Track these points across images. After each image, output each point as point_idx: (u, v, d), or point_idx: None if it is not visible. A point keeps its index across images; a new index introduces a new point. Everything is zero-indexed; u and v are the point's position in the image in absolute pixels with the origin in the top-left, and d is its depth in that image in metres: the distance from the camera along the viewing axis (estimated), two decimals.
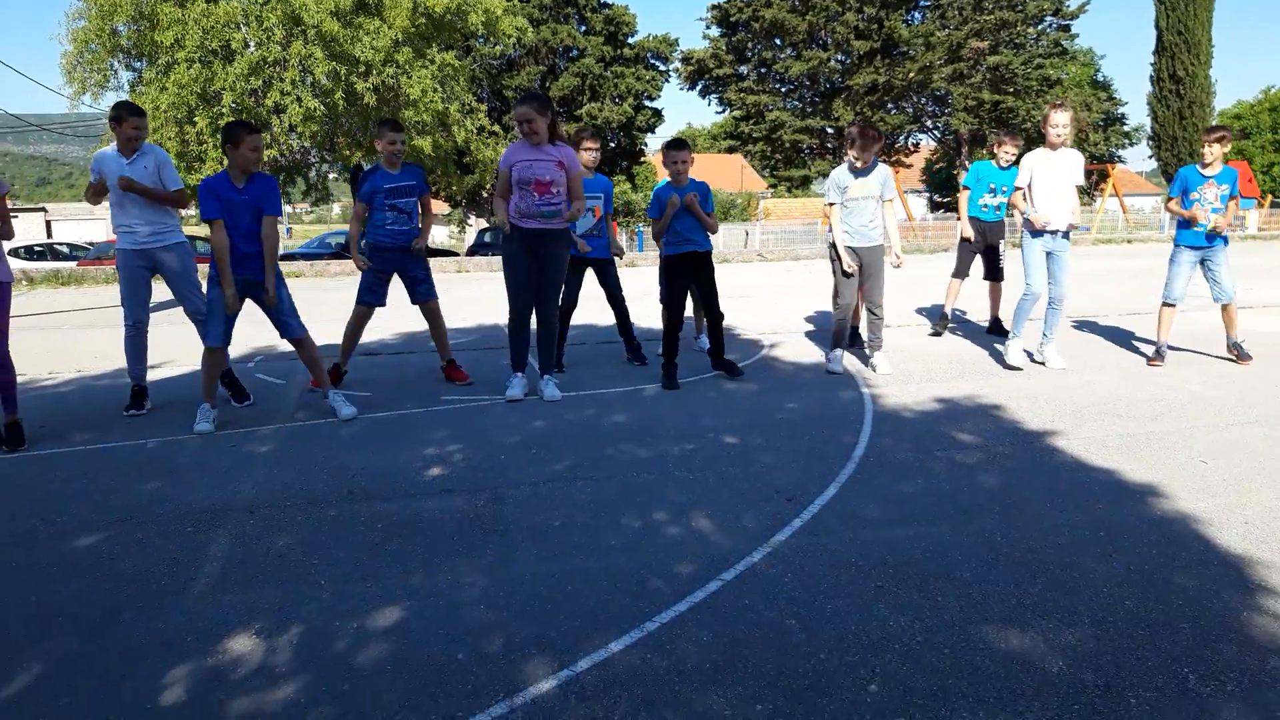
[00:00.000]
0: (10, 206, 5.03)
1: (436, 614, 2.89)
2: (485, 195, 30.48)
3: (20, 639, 2.79)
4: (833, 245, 6.47)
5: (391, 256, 6.20)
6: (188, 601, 3.03)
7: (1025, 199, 6.46)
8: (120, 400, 5.84)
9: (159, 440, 5.06)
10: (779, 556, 3.29)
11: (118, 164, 5.56)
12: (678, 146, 6.22)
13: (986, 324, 8.22)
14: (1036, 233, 6.36)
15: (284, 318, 5.41)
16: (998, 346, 7.17)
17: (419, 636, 2.75)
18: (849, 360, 6.80)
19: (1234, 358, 6.53)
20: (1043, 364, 6.52)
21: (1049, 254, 6.39)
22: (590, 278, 6.90)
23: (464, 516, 3.76)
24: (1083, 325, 8.39)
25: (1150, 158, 41.73)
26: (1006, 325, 7.16)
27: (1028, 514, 3.67)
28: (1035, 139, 41.66)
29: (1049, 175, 6.33)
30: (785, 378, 6.44)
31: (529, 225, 5.61)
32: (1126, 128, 51.67)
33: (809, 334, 8.34)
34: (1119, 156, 50.90)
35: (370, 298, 6.24)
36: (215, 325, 5.23)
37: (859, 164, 6.26)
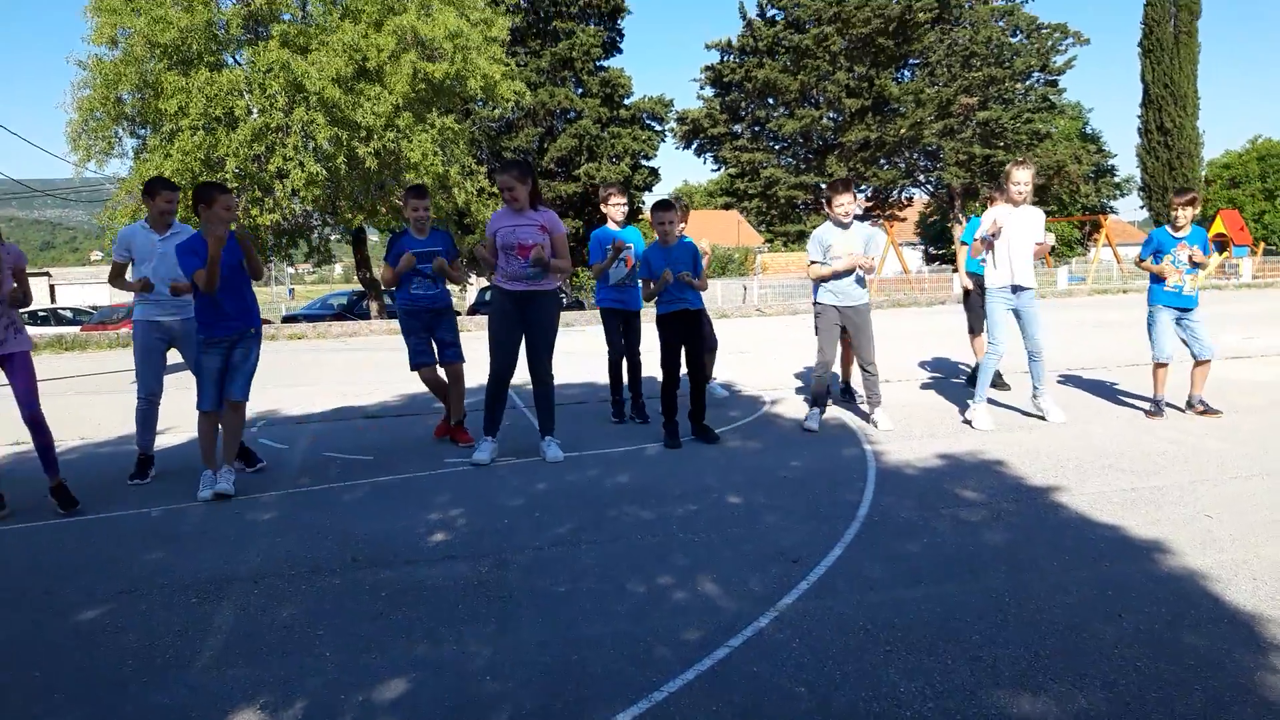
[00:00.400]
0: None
1: (442, 685, 2.87)
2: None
3: (26, 714, 2.77)
4: (816, 303, 6.52)
5: (422, 318, 6.32)
6: (192, 675, 3.00)
7: (983, 254, 6.54)
8: (124, 468, 5.84)
9: (162, 509, 5.05)
10: (786, 621, 3.27)
11: (148, 239, 5.63)
12: (664, 207, 6.29)
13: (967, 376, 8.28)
14: (999, 290, 6.42)
15: (239, 377, 5.32)
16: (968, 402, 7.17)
17: (426, 710, 2.72)
18: (849, 417, 6.82)
19: (1200, 412, 6.52)
20: (1042, 418, 6.53)
21: (1015, 311, 6.45)
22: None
23: (468, 583, 3.74)
24: (1081, 377, 8.41)
25: (1141, 208, 42.25)
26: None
27: (1035, 572, 3.66)
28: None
29: (1010, 232, 6.36)
30: (787, 435, 6.45)
31: (514, 288, 5.70)
32: (1117, 179, 52.28)
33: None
34: (1111, 207, 51.39)
35: (424, 359, 6.40)
36: (207, 390, 5.25)
37: (843, 218, 6.33)
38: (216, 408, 5.30)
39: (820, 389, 6.59)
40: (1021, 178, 6.32)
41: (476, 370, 10.48)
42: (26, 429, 4.98)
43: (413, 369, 6.46)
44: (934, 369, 9.30)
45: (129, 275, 5.74)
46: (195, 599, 3.67)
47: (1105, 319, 14.92)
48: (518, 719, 2.64)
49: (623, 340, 7.02)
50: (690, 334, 6.32)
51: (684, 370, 6.29)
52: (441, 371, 6.49)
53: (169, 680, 2.97)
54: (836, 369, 7.35)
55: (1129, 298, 20.71)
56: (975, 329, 8.06)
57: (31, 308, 5.06)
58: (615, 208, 6.94)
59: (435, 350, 6.44)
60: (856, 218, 6.54)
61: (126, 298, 33.93)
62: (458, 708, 2.72)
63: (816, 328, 6.57)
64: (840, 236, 6.36)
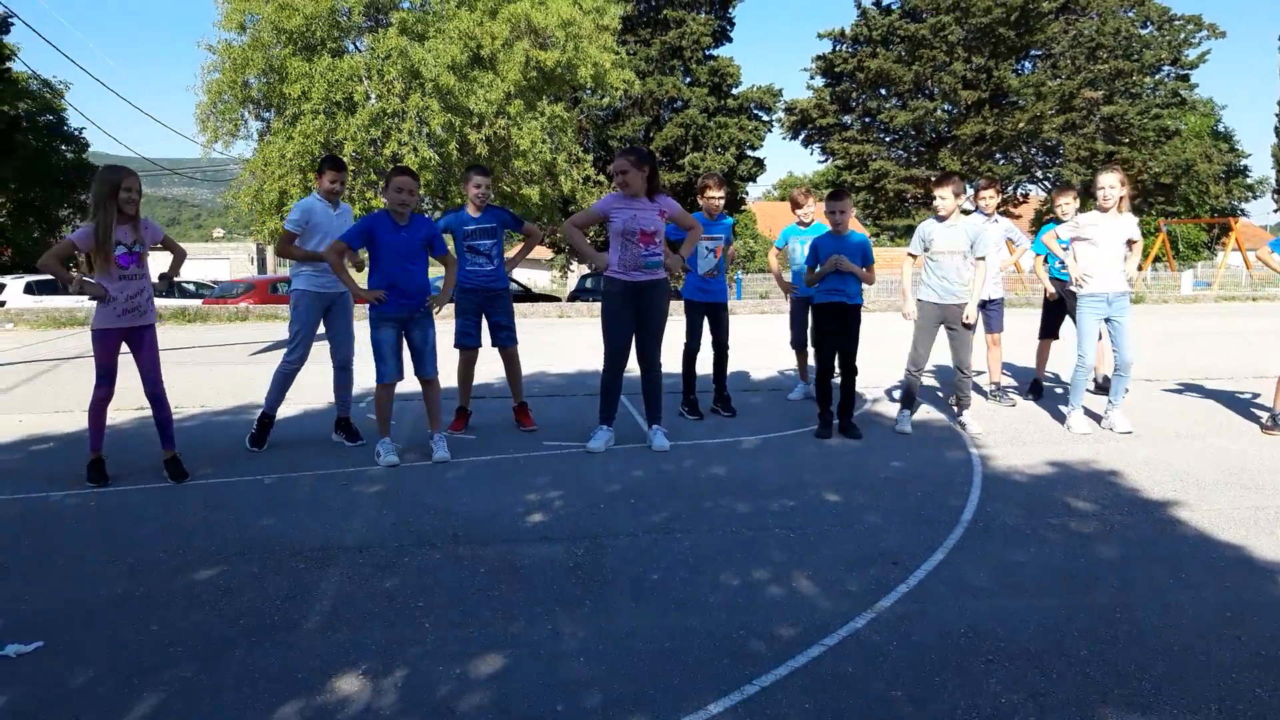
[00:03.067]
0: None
1: (537, 664, 2.91)
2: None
3: (144, 666, 2.92)
4: (919, 301, 6.35)
5: (474, 298, 6.34)
6: (299, 638, 3.12)
7: (1070, 256, 6.37)
8: (240, 436, 6.11)
9: (276, 476, 5.26)
10: (883, 623, 3.21)
11: (326, 212, 5.91)
12: (837, 197, 6.21)
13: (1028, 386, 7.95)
14: (1092, 298, 6.16)
15: (426, 357, 5.63)
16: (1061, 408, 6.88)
17: (519, 686, 2.77)
18: (945, 419, 6.63)
19: None
20: (1110, 429, 6.23)
21: (1107, 320, 6.18)
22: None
23: (564, 565, 3.79)
24: (1204, 387, 8.00)
25: (1276, 211, 39.90)
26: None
27: (1148, 589, 3.50)
28: (1151, 189, 40.06)
29: (1104, 240, 6.15)
30: (888, 434, 6.31)
31: (636, 277, 5.68)
32: (1250, 180, 49.47)
33: None
34: (1242, 210, 48.71)
35: (467, 341, 6.41)
36: (387, 363, 5.49)
37: (941, 211, 6.16)
38: (395, 380, 5.53)
39: (910, 390, 6.43)
40: (1106, 181, 6.08)
41: (572, 358, 10.59)
42: (148, 401, 5.24)
43: (456, 347, 6.45)
44: (1049, 374, 8.96)
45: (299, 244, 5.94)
46: (303, 565, 3.81)
47: (1233, 327, 14.15)
48: (609, 703, 2.66)
49: (704, 334, 6.95)
50: (844, 328, 6.22)
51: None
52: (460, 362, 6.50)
53: (276, 641, 3.09)
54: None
55: (1259, 306, 19.60)
56: (1048, 333, 7.78)
57: (156, 281, 5.28)
58: (712, 200, 6.84)
59: (485, 333, 6.44)
60: (988, 214, 6.34)
61: (246, 272, 35.36)
62: (549, 688, 2.76)
63: (914, 329, 6.42)
64: (941, 231, 6.19)
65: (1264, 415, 6.51)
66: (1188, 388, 8.03)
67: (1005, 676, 2.80)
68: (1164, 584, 3.55)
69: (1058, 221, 7.40)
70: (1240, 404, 7.24)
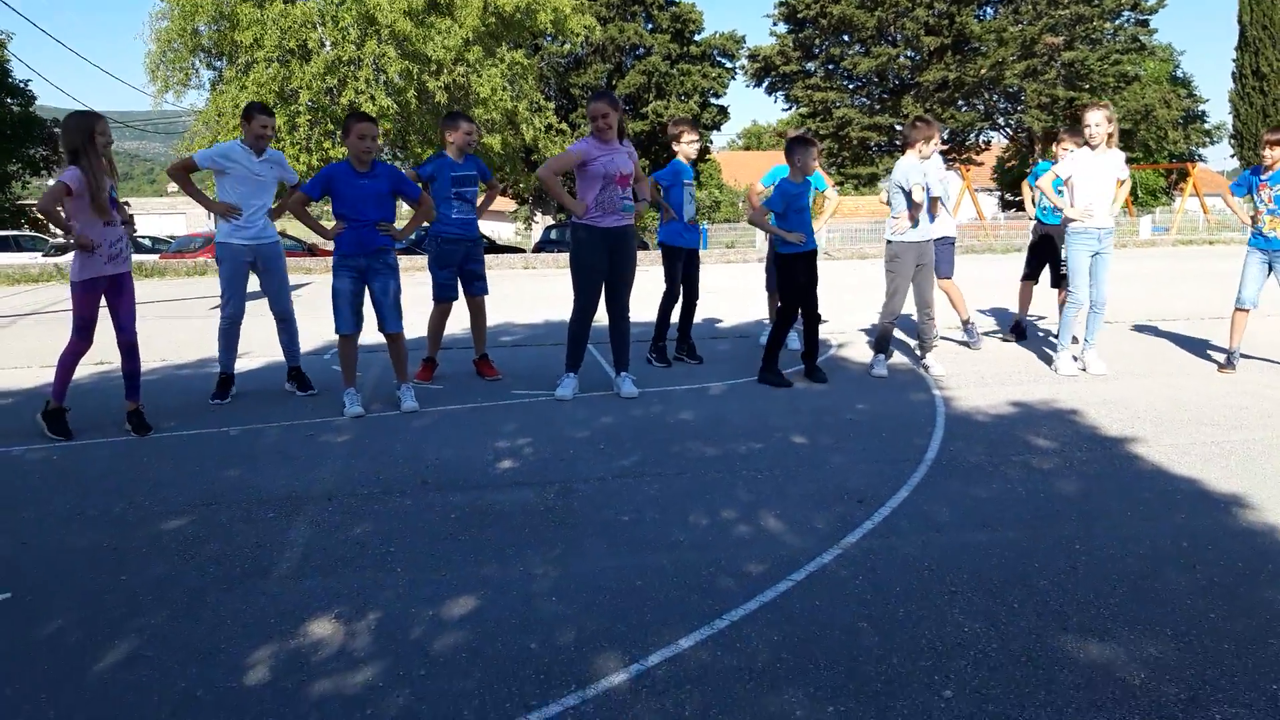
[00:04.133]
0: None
1: (509, 604, 2.94)
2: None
3: (114, 616, 2.91)
4: (889, 243, 6.35)
5: (458, 248, 6.27)
6: (270, 585, 3.12)
7: (1064, 196, 6.40)
8: (203, 389, 6.04)
9: (240, 428, 5.21)
10: (849, 558, 3.27)
11: (247, 159, 5.77)
12: (805, 144, 6.16)
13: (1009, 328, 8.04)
14: (1082, 234, 6.22)
15: (386, 311, 5.55)
16: (1049, 351, 6.99)
17: (493, 626, 2.79)
18: (907, 361, 6.71)
19: None
20: (1083, 370, 6.34)
21: (1094, 255, 6.27)
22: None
23: (535, 509, 3.81)
24: (1161, 329, 8.16)
25: (1232, 156, 40.40)
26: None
27: (1107, 522, 3.59)
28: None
29: (1090, 174, 6.20)
30: (854, 378, 6.38)
31: (611, 223, 5.65)
32: (1207, 125, 49.96)
33: None
34: (1199, 155, 49.23)
35: (450, 294, 6.36)
36: (342, 313, 5.42)
37: (926, 154, 6.23)
38: (353, 331, 5.47)
39: (886, 336, 6.48)
40: (1093, 119, 6.12)
41: (538, 309, 10.56)
42: (119, 352, 5.14)
43: (437, 301, 6.38)
44: (1006, 318, 9.08)
45: (214, 193, 5.89)
46: (272, 514, 3.80)
47: (1190, 270, 14.39)
48: (582, 640, 2.70)
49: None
50: (813, 277, 6.20)
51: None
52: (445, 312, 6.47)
53: (248, 589, 3.09)
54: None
55: (1215, 249, 19.93)
56: (1030, 276, 7.82)
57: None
58: (689, 144, 6.81)
59: (464, 282, 6.39)
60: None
61: (203, 226, 34.63)
62: (523, 626, 2.78)
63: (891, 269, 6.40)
64: (932, 170, 6.34)
65: (1219, 355, 6.66)
66: (1145, 329, 8.18)
67: (968, 607, 2.87)
68: (1122, 517, 3.65)
69: (1054, 162, 7.43)
70: (1196, 344, 7.39)
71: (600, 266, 5.74)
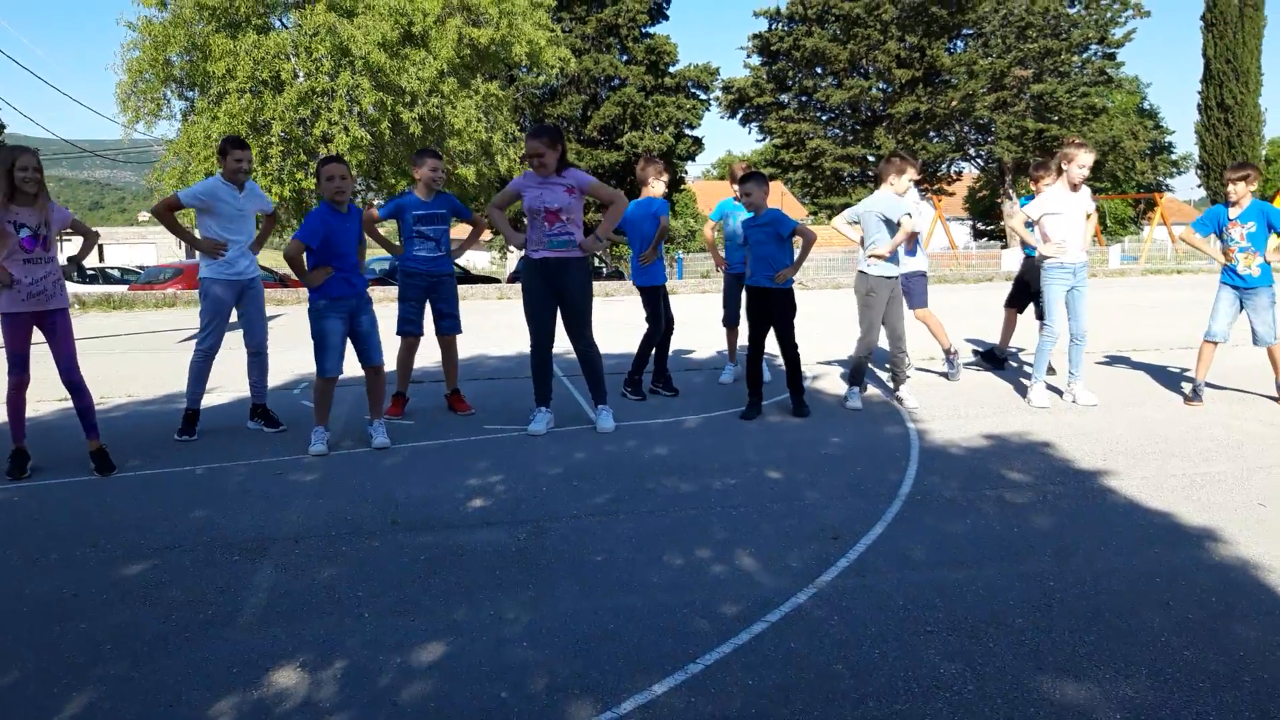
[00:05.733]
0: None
1: (479, 650, 2.88)
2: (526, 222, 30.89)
3: (72, 665, 2.82)
4: (864, 275, 6.36)
5: (420, 283, 6.25)
6: (234, 632, 3.04)
7: (1035, 233, 6.48)
8: (169, 425, 5.94)
9: (206, 467, 5.12)
10: (825, 598, 3.24)
11: (231, 196, 5.76)
12: (745, 180, 6.17)
13: (982, 351, 8.11)
14: (1060, 270, 6.28)
15: (372, 343, 5.55)
16: (1024, 382, 7.03)
17: (462, 673, 2.74)
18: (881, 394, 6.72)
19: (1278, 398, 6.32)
20: (1072, 402, 6.39)
21: (1070, 289, 6.33)
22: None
23: (506, 549, 3.75)
24: (1133, 360, 8.23)
25: (1198, 186, 41.14)
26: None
27: (1081, 557, 3.58)
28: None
29: (1070, 212, 6.30)
30: (829, 411, 6.38)
31: (543, 255, 5.66)
32: (1174, 156, 50.93)
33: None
34: (1166, 185, 50.16)
35: (410, 328, 6.31)
36: (331, 356, 5.36)
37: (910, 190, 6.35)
38: (337, 375, 5.42)
39: (861, 368, 6.50)
40: (1087, 160, 6.25)
41: (512, 341, 10.51)
42: (67, 390, 5.06)
43: (399, 334, 6.34)
44: (981, 347, 9.13)
45: (197, 233, 5.83)
46: (238, 556, 3.72)
47: (1160, 300, 14.58)
48: (554, 687, 2.65)
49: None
50: (769, 312, 6.15)
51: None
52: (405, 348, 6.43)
53: (211, 636, 3.01)
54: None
55: (1183, 279, 20.22)
56: (1014, 304, 7.88)
57: (88, 260, 5.12)
58: (657, 184, 6.85)
59: (428, 320, 6.36)
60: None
61: (174, 257, 34.31)
62: (494, 673, 2.73)
63: (861, 306, 6.44)
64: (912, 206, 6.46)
65: (1186, 386, 6.71)
66: (1115, 359, 8.25)
67: (944, 647, 2.85)
68: (1096, 552, 3.64)
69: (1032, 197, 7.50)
70: (1166, 375, 7.46)
71: (542, 296, 5.75)
